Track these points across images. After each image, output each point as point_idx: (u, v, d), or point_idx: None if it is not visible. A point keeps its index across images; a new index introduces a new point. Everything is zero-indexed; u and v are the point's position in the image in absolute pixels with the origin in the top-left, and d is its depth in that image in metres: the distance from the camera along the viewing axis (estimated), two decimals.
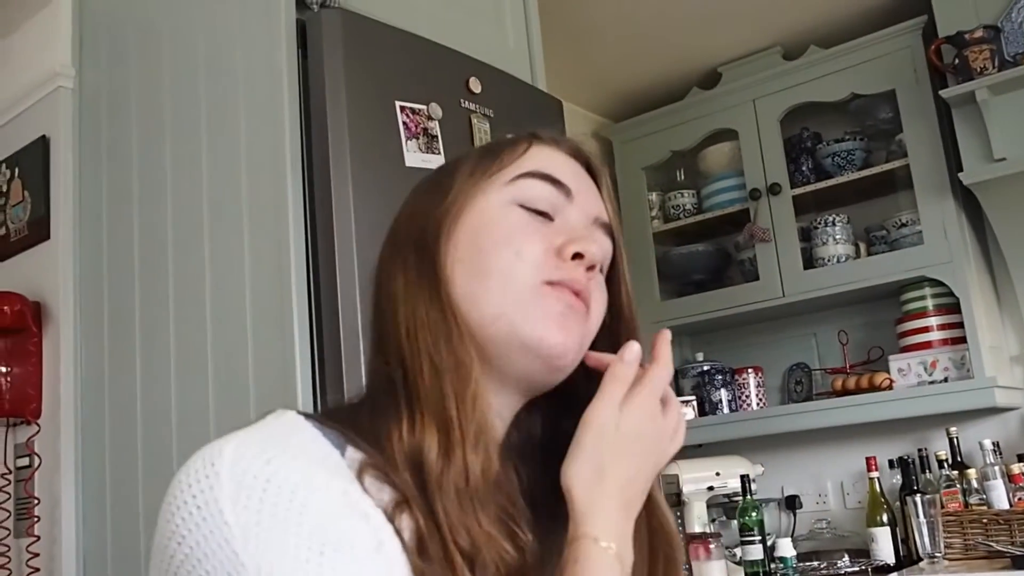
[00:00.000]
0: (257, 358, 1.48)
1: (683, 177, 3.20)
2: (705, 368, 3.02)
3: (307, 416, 0.63)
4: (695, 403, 2.97)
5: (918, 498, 2.34)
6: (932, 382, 2.56)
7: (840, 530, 2.76)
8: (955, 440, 2.55)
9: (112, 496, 1.72)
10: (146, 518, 1.64)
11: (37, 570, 1.74)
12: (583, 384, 0.70)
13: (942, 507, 2.36)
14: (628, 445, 0.65)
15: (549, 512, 0.68)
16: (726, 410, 2.92)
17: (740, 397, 2.93)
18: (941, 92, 2.48)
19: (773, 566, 2.45)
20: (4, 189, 2.02)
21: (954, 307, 2.54)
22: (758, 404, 2.92)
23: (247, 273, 1.52)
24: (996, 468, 2.39)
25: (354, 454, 0.61)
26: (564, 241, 0.69)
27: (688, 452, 2.88)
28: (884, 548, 2.42)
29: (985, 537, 2.29)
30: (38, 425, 1.82)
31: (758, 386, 2.94)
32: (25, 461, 1.83)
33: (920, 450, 2.62)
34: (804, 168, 2.87)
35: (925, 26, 2.62)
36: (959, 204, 2.56)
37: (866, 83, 2.74)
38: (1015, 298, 2.62)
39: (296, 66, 1.51)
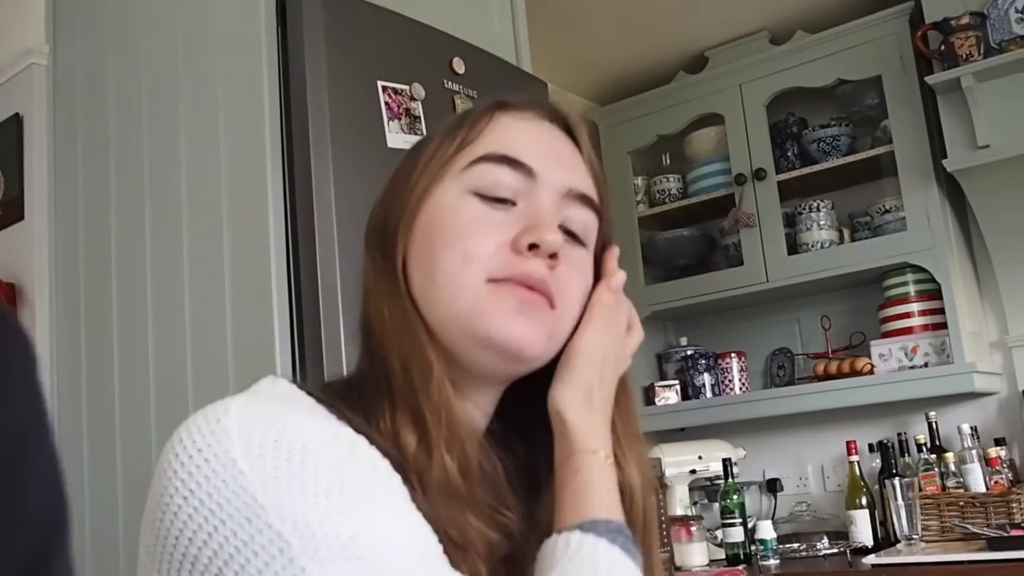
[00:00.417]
0: (236, 340, 1.48)
1: (669, 162, 3.20)
2: (688, 352, 3.03)
3: (299, 387, 0.64)
4: (678, 387, 2.98)
5: (896, 481, 2.36)
6: (912, 367, 2.58)
7: (820, 513, 2.78)
8: (934, 424, 2.57)
9: (90, 479, 1.71)
10: (124, 499, 1.64)
11: None
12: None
13: (920, 490, 2.38)
14: (605, 364, 0.69)
15: (533, 489, 0.69)
16: (709, 394, 2.93)
17: (723, 381, 2.95)
18: (927, 78, 2.48)
19: (753, 548, 2.47)
20: None
21: (935, 293, 2.56)
22: (741, 388, 2.93)
23: (226, 254, 1.51)
24: (974, 452, 2.41)
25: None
26: (519, 232, 0.65)
27: (671, 436, 2.90)
28: (863, 530, 2.44)
29: (962, 519, 2.31)
30: None
31: (741, 370, 2.95)
32: None
33: (900, 434, 2.64)
34: (789, 153, 2.87)
35: (912, 12, 2.62)
36: (943, 191, 2.57)
37: (852, 69, 2.74)
38: (995, 285, 2.64)
39: (276, 45, 1.50)
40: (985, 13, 2.44)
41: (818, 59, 2.79)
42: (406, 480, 0.59)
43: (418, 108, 1.60)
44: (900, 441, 2.63)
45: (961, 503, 2.33)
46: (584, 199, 0.70)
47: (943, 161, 2.48)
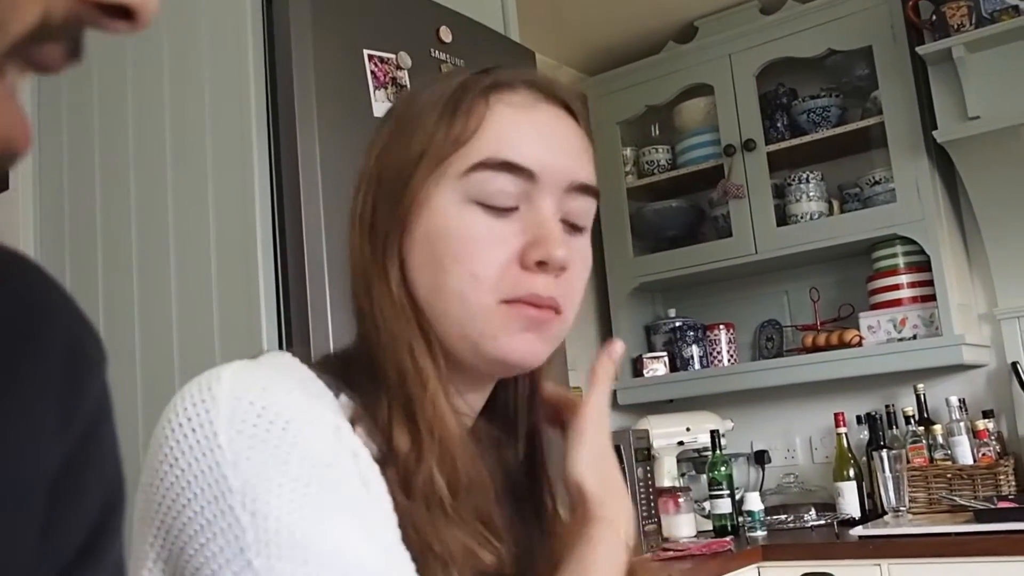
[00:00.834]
0: (222, 313, 1.46)
1: (658, 132, 3.18)
2: (677, 324, 3.02)
3: (301, 360, 0.64)
4: (666, 359, 2.98)
5: (884, 453, 2.37)
6: (901, 339, 2.58)
7: (808, 484, 2.80)
8: (922, 396, 2.58)
9: None
10: None
11: None
12: None
13: (908, 462, 2.39)
14: (608, 434, 0.71)
15: (516, 489, 0.70)
16: (697, 366, 2.93)
17: (711, 353, 2.95)
18: (917, 49, 2.46)
19: (741, 520, 2.48)
20: None
21: (925, 265, 2.56)
22: (729, 360, 2.93)
23: (211, 226, 1.49)
24: (961, 424, 2.43)
25: (347, 401, 0.62)
26: (526, 245, 0.64)
27: (659, 407, 2.90)
28: (850, 502, 2.46)
29: (949, 491, 2.33)
30: None
31: (729, 342, 2.95)
32: None
33: (888, 406, 2.65)
34: (779, 124, 2.85)
35: None
36: (932, 162, 2.56)
37: (843, 39, 2.72)
38: (985, 257, 2.64)
39: (260, 12, 1.47)
40: None
41: (808, 29, 2.76)
42: (388, 471, 0.59)
43: (404, 77, 1.57)
44: (888, 413, 2.64)
45: (949, 475, 2.35)
46: (585, 188, 0.68)
47: (933, 132, 2.47)
